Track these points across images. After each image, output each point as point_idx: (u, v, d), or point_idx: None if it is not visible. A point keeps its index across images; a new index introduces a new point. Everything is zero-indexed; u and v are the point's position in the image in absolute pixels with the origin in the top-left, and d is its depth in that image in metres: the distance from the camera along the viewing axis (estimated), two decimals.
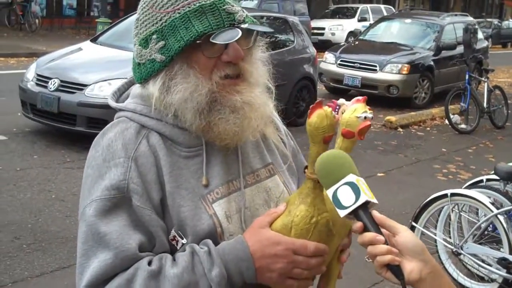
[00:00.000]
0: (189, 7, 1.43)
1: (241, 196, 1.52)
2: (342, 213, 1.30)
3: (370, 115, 1.41)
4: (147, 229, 1.41)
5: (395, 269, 1.28)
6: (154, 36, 1.46)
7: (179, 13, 1.44)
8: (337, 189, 1.31)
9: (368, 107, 1.42)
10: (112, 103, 1.60)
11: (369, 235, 1.29)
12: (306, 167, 1.46)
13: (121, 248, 1.37)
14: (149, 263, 1.37)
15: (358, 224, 1.30)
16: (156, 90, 1.46)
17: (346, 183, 1.30)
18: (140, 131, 1.49)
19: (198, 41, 1.41)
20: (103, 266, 1.36)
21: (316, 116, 1.40)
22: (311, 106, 1.43)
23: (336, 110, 1.45)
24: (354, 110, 1.41)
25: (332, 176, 1.32)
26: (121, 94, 1.65)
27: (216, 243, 1.42)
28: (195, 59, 1.44)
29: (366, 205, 1.30)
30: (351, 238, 1.54)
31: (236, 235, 1.45)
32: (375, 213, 1.31)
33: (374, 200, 1.31)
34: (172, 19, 1.44)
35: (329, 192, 1.32)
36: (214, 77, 1.45)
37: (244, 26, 1.45)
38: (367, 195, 1.29)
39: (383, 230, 1.31)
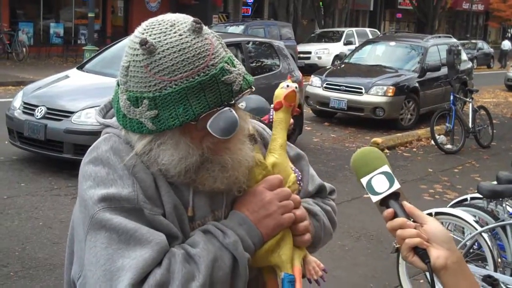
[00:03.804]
0: (187, 81, 1.34)
1: None
2: (375, 198, 1.42)
3: (293, 84, 1.63)
4: (167, 231, 1.39)
5: (422, 253, 1.35)
6: (146, 102, 1.37)
7: (176, 85, 1.34)
8: (372, 177, 1.43)
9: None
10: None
11: (400, 220, 1.38)
12: None
13: (156, 240, 1.34)
14: None
15: (389, 210, 1.40)
16: (140, 147, 1.41)
17: (381, 173, 1.43)
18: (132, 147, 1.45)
19: (193, 122, 1.37)
20: (142, 261, 1.30)
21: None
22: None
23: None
24: (280, 87, 1.65)
25: (367, 167, 1.44)
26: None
27: None
28: (187, 130, 1.40)
29: (397, 196, 1.41)
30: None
31: None
32: (405, 203, 1.41)
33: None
34: (168, 92, 1.35)
35: (363, 180, 1.44)
36: (205, 142, 1.42)
37: (242, 105, 1.41)
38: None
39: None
